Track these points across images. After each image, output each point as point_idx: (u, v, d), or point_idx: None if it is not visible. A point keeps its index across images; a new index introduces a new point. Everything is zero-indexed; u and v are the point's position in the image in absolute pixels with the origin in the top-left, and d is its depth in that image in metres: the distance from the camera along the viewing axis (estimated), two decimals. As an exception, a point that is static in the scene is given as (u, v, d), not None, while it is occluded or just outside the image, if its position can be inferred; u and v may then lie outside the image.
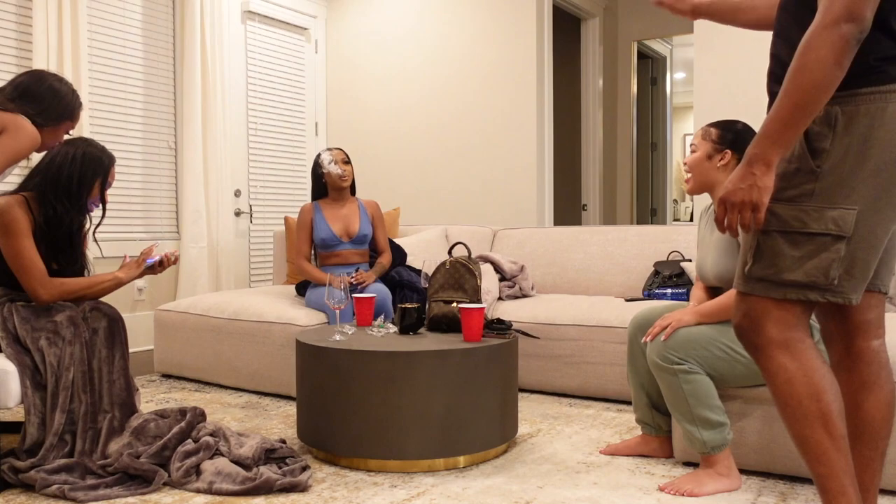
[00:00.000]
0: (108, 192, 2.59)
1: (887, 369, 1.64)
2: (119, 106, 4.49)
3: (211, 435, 2.36)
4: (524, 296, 3.91)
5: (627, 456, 2.51)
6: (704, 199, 4.50)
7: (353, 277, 3.32)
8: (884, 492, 2.15)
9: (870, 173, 1.46)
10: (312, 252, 3.60)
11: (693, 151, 2.31)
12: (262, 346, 3.40)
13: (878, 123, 1.45)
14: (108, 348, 2.35)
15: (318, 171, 3.59)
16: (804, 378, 1.51)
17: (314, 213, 3.55)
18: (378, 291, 3.34)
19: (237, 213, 5.12)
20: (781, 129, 1.42)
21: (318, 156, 3.60)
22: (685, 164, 2.32)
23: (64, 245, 2.43)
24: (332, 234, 3.50)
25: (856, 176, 1.46)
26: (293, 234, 4.30)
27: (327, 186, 3.59)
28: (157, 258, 2.57)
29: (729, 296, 2.19)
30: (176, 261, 2.62)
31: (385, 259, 3.59)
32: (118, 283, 2.48)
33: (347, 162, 3.57)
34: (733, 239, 2.20)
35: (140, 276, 2.58)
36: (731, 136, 2.26)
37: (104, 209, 2.58)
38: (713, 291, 2.40)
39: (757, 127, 2.26)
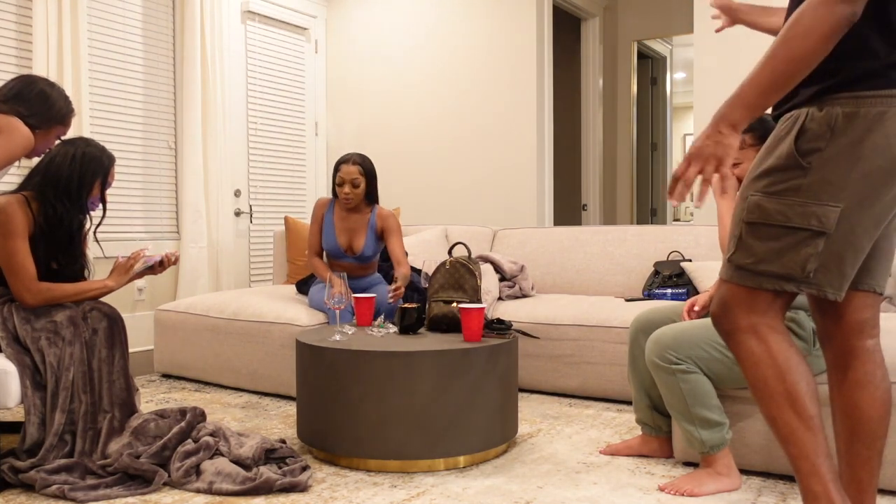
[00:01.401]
0: (109, 190, 2.59)
1: (883, 368, 1.66)
2: (119, 106, 4.48)
3: (211, 435, 2.36)
4: (524, 296, 3.91)
5: (627, 456, 2.51)
6: (708, 198, 4.49)
7: (391, 296, 3.06)
8: (884, 492, 2.15)
9: (860, 175, 1.48)
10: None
11: (737, 164, 2.27)
12: (262, 346, 3.40)
13: (875, 127, 1.47)
14: (108, 348, 2.35)
15: (334, 176, 3.35)
16: (769, 360, 1.55)
17: (326, 211, 3.42)
18: (385, 293, 3.33)
19: (237, 213, 5.12)
20: (756, 94, 1.45)
21: (336, 163, 3.35)
22: (727, 178, 2.28)
23: (64, 245, 2.43)
24: (337, 246, 3.38)
25: (845, 176, 1.48)
26: (293, 234, 4.30)
27: None
28: (157, 258, 2.57)
29: None
30: (176, 261, 2.62)
31: (405, 269, 3.23)
32: (107, 291, 2.47)
33: (358, 185, 3.29)
34: None
35: (137, 278, 2.57)
36: (761, 131, 2.25)
37: (104, 209, 2.58)
38: None
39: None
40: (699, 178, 1.53)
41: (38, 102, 2.36)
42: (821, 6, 1.39)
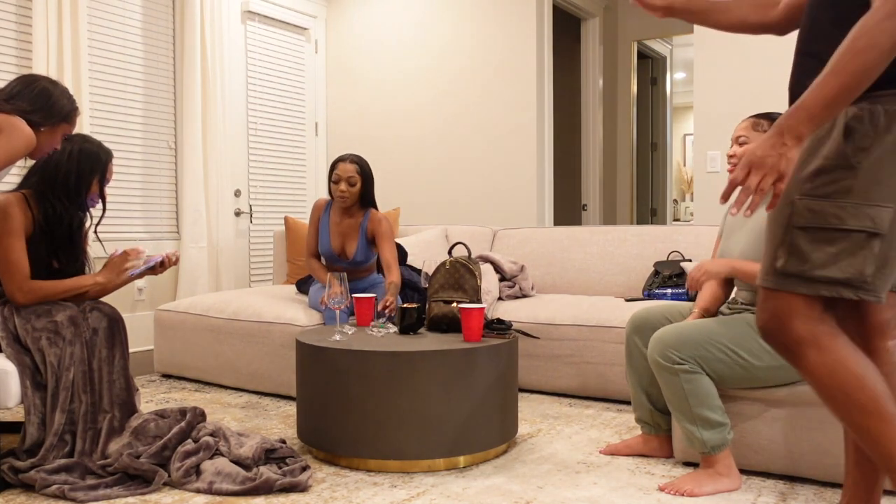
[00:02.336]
0: (109, 189, 2.58)
1: None
2: (119, 106, 4.49)
3: (211, 435, 2.36)
4: (524, 296, 3.91)
5: (627, 456, 2.51)
6: (708, 198, 4.50)
7: (386, 310, 2.98)
8: (885, 492, 2.15)
9: None
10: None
11: (742, 143, 2.32)
12: (262, 346, 3.40)
13: None
14: (108, 348, 2.35)
15: (329, 176, 3.34)
16: (844, 369, 1.50)
17: (323, 213, 3.41)
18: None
19: (237, 213, 5.12)
20: (822, 106, 1.41)
21: (333, 162, 3.34)
22: (733, 156, 2.32)
23: (64, 243, 2.42)
24: (331, 250, 3.36)
25: (894, 174, 1.46)
26: (293, 234, 4.30)
27: None
28: (158, 258, 2.56)
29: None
30: (177, 261, 2.62)
31: (394, 277, 3.19)
32: (97, 287, 2.45)
33: (354, 183, 3.27)
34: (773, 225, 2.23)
35: (138, 278, 2.56)
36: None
37: (104, 206, 2.57)
38: (727, 285, 2.44)
39: None
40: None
41: (41, 100, 2.34)
42: (886, 19, 1.37)
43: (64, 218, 2.40)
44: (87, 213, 2.51)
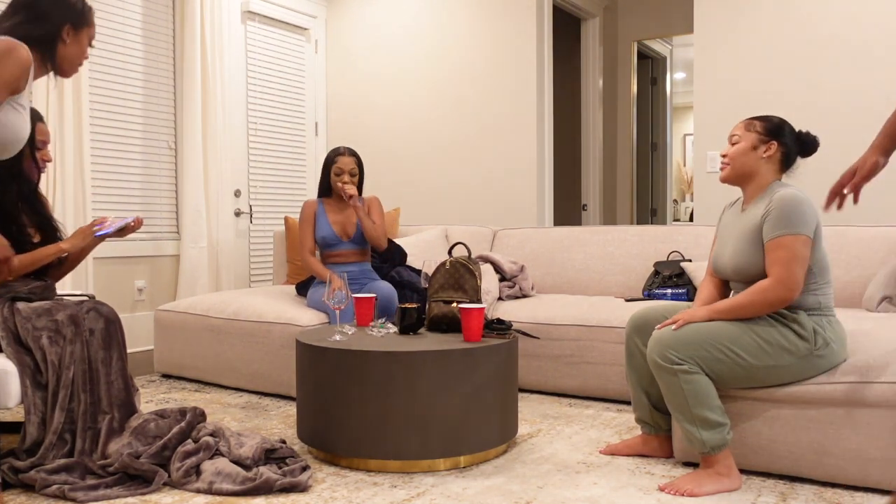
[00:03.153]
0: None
1: None
2: (119, 106, 4.48)
3: (211, 435, 2.36)
4: (524, 296, 3.91)
5: (627, 456, 2.51)
6: (708, 198, 4.50)
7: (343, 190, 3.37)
8: (887, 493, 2.15)
9: None
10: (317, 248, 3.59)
11: (735, 143, 2.33)
12: (262, 346, 3.40)
13: None
14: (105, 349, 2.35)
15: (327, 170, 3.53)
16: None
17: (317, 209, 3.55)
18: (383, 291, 3.34)
19: (237, 213, 5.11)
20: None
21: (329, 155, 3.53)
22: (724, 154, 2.34)
23: (19, 219, 2.42)
24: (333, 233, 3.49)
25: None
26: (293, 234, 4.30)
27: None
28: (123, 223, 2.53)
29: (745, 296, 2.18)
30: (140, 225, 2.59)
31: (378, 223, 3.49)
32: (60, 253, 2.45)
33: (355, 174, 3.49)
34: (757, 230, 2.22)
35: (104, 239, 2.53)
36: (775, 129, 2.31)
37: (39, 173, 2.52)
38: (724, 287, 2.43)
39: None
40: None
41: (43, 4, 2.11)
42: None
43: (4, 202, 2.38)
44: (34, 182, 2.49)
